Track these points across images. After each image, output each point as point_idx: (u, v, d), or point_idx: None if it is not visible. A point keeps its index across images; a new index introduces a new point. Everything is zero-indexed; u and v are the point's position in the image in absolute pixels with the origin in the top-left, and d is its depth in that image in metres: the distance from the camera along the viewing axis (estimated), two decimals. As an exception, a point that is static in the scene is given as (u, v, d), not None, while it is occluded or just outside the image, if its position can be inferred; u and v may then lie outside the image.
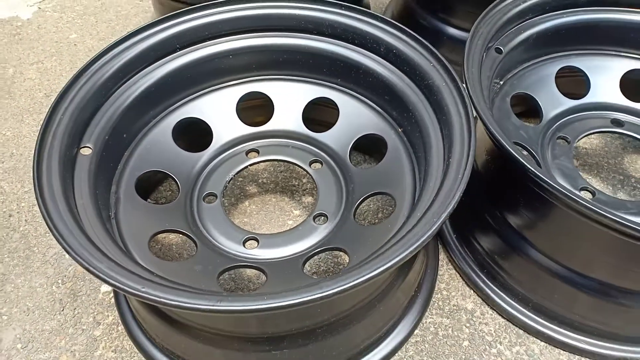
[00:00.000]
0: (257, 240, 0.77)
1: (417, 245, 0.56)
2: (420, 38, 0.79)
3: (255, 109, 0.94)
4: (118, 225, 0.73)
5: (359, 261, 0.60)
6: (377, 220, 0.93)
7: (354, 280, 0.53)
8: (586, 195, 0.81)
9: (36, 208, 0.99)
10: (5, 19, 1.42)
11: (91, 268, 0.55)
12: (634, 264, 0.68)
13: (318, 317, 0.68)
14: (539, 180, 0.62)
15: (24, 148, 1.10)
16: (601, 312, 0.73)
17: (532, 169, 0.62)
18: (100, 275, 0.54)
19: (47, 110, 0.71)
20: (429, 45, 0.78)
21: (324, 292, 0.52)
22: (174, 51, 0.85)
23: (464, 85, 0.73)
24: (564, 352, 0.78)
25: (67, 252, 0.56)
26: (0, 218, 0.97)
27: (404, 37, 0.80)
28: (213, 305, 0.52)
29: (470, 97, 0.70)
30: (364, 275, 0.53)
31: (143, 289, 0.54)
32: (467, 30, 1.03)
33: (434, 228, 0.57)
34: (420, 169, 0.75)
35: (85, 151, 0.73)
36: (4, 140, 1.11)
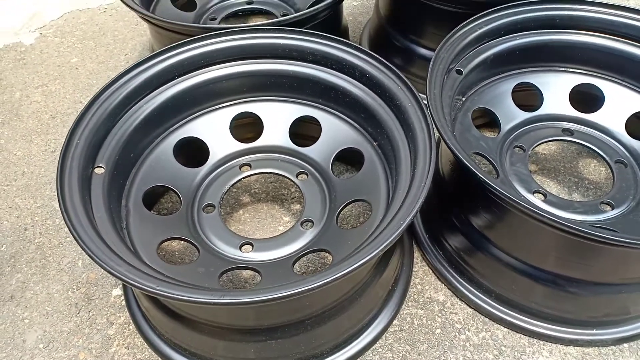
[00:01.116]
0: (252, 245, 0.88)
1: (385, 246, 0.66)
2: (389, 64, 0.90)
3: (247, 127, 1.05)
4: (129, 235, 0.84)
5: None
6: (357, 224, 1.04)
7: (333, 275, 0.64)
8: (538, 197, 0.92)
9: (49, 222, 1.09)
10: (9, 45, 1.52)
11: (113, 271, 0.65)
12: (576, 257, 0.79)
13: (307, 309, 0.78)
14: (489, 188, 0.73)
15: (34, 167, 1.19)
16: (554, 300, 0.84)
17: (484, 178, 0.73)
18: (122, 277, 0.65)
19: (66, 135, 0.81)
20: (396, 70, 0.89)
21: (310, 285, 0.63)
22: (174, 78, 0.96)
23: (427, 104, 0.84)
24: (524, 336, 0.89)
25: (92, 259, 0.66)
26: (17, 232, 1.07)
27: (375, 63, 0.92)
28: (218, 299, 0.62)
29: (432, 116, 0.81)
30: (341, 271, 0.64)
31: (158, 287, 0.64)
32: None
33: (398, 231, 0.67)
34: (392, 178, 0.86)
35: (99, 170, 0.83)
36: (16, 160, 1.21)
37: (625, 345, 0.87)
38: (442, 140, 0.81)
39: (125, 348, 0.89)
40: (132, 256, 0.73)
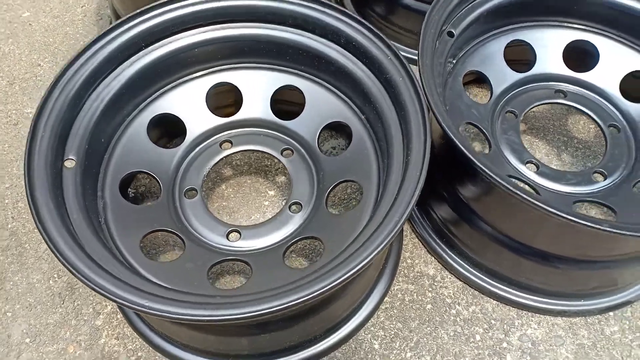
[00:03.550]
0: (240, 233, 0.85)
1: (382, 247, 0.64)
2: (379, 32, 0.83)
3: (225, 99, 0.98)
4: (109, 230, 0.79)
5: (334, 252, 0.69)
6: (349, 208, 1.01)
7: (330, 282, 0.61)
8: (531, 168, 0.90)
9: (20, 204, 1.03)
10: (-50, -3, 1.36)
11: (99, 289, 0.62)
12: (563, 236, 0.78)
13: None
14: (479, 170, 0.70)
15: (-3, 141, 1.11)
16: (543, 275, 0.85)
17: (474, 160, 0.70)
18: (109, 295, 0.61)
19: (29, 128, 0.73)
20: (386, 39, 0.82)
21: (305, 294, 0.61)
22: (140, 49, 0.87)
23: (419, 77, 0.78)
24: (513, 308, 0.90)
25: (75, 276, 0.63)
26: (-13, 216, 1.02)
27: (363, 30, 0.84)
28: (211, 316, 0.60)
29: (425, 93, 0.76)
30: (339, 277, 0.62)
31: (147, 304, 0.61)
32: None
33: (396, 229, 0.65)
34: (383, 160, 0.82)
35: (69, 163, 0.77)
36: (-25, 135, 1.12)
37: (611, 313, 0.90)
38: (434, 117, 0.76)
39: (115, 339, 0.88)
40: (116, 262, 0.69)
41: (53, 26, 1.30)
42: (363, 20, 0.85)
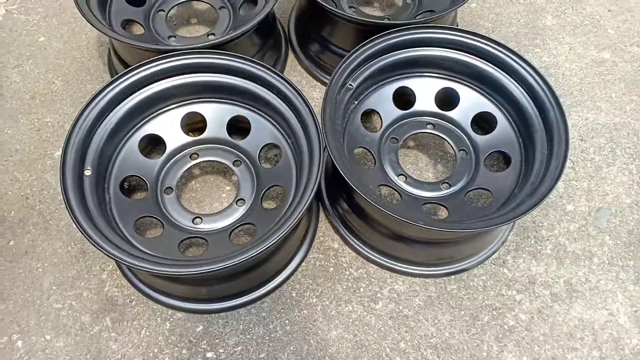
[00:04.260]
0: (201, 219, 1.26)
1: (284, 233, 1.05)
2: (298, 89, 1.22)
3: (194, 123, 1.37)
4: (113, 215, 1.19)
5: (262, 233, 1.11)
6: (275, 205, 1.42)
7: (253, 252, 1.03)
8: (402, 179, 1.31)
9: (44, 192, 1.42)
10: (-21, 22, 1.71)
11: (104, 251, 1.02)
12: (417, 229, 1.20)
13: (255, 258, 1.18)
14: (355, 189, 1.12)
15: (24, 144, 1.49)
16: (404, 250, 1.26)
17: (346, 177, 1.10)
18: (111, 255, 1.02)
19: (62, 149, 1.12)
20: (302, 95, 1.20)
21: (238, 259, 1.02)
22: (134, 92, 1.26)
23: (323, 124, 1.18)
24: (387, 271, 1.33)
25: (91, 242, 1.03)
26: (21, 200, 1.41)
27: (288, 86, 1.23)
28: (174, 271, 1.01)
29: (325, 130, 1.16)
30: (256, 250, 1.03)
31: (135, 262, 1.01)
32: (343, 49, 1.48)
33: (286, 228, 1.06)
34: (299, 171, 1.23)
35: (87, 172, 1.16)
36: (8, 138, 1.50)
37: (452, 276, 1.33)
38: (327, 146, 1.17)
39: (115, 287, 1.29)
40: (117, 237, 1.10)
41: (64, 50, 1.67)
42: (289, 80, 1.24)
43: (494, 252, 1.35)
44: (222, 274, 1.18)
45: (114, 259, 1.02)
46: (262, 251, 1.04)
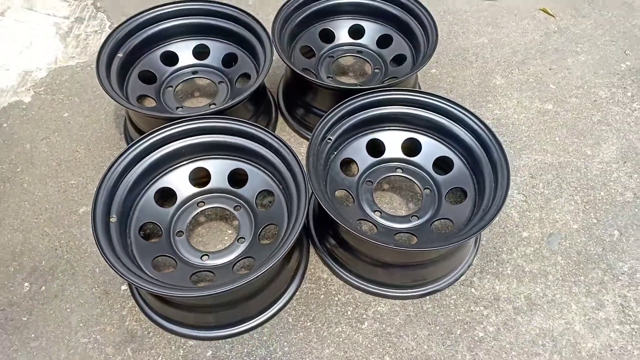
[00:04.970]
0: (208, 256, 1.47)
1: (271, 266, 1.27)
2: (288, 145, 1.47)
3: (201, 176, 1.62)
4: (134, 255, 1.41)
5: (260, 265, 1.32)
6: (270, 241, 1.64)
7: (246, 279, 1.24)
8: (377, 214, 1.55)
9: (71, 243, 1.64)
10: (12, 103, 2.00)
11: (130, 281, 1.23)
12: (389, 252, 1.42)
13: (253, 285, 1.38)
14: (335, 220, 1.35)
15: (52, 203, 1.73)
16: (384, 275, 1.47)
17: (334, 217, 1.34)
18: (135, 283, 1.23)
19: (92, 201, 1.36)
20: (292, 150, 1.44)
21: (237, 284, 1.23)
22: (151, 152, 1.51)
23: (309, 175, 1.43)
24: (370, 295, 1.53)
25: (119, 274, 1.24)
26: (50, 252, 1.62)
27: (279, 142, 1.48)
28: (183, 294, 1.22)
29: (310, 177, 1.41)
30: (247, 279, 1.25)
31: (162, 290, 1.23)
32: (323, 110, 1.75)
33: (279, 255, 1.28)
34: (290, 212, 1.46)
35: (113, 219, 1.39)
36: (38, 199, 1.74)
37: (427, 297, 1.53)
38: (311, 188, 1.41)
39: (134, 322, 1.48)
40: (139, 271, 1.32)
41: (85, 123, 1.94)
42: (281, 139, 1.49)
43: (461, 275, 1.56)
44: (226, 301, 1.38)
45: (135, 284, 1.23)
46: (258, 276, 1.24)
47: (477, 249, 1.62)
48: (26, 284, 1.55)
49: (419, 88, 2.05)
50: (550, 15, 2.35)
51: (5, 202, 1.73)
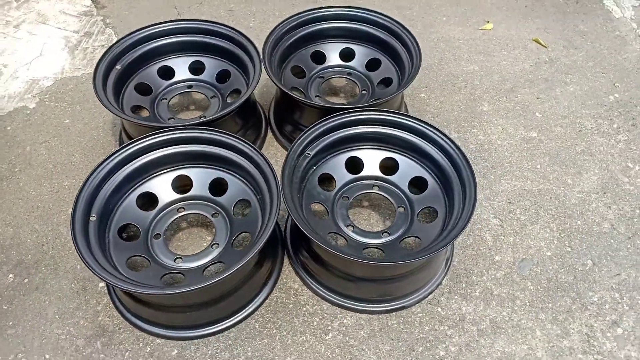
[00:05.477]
0: (182, 258, 1.53)
1: (242, 264, 1.32)
2: (266, 158, 1.53)
3: (182, 184, 1.69)
4: (110, 254, 1.47)
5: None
6: (243, 247, 1.69)
7: (210, 281, 1.29)
8: (350, 229, 1.59)
9: (57, 240, 1.72)
10: (18, 108, 2.11)
11: (103, 278, 1.29)
12: (356, 266, 1.46)
13: (220, 289, 1.43)
14: (309, 236, 1.39)
15: (44, 202, 1.81)
16: (352, 288, 1.50)
17: (317, 241, 1.39)
18: (109, 281, 1.29)
19: (74, 200, 1.44)
20: (269, 163, 1.51)
21: (198, 285, 1.28)
22: (134, 159, 1.59)
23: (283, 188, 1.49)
24: (337, 307, 1.56)
25: (103, 279, 1.30)
26: (37, 247, 1.70)
27: (259, 155, 1.54)
28: (153, 292, 1.27)
29: (284, 191, 1.46)
30: (213, 280, 1.30)
31: (125, 285, 1.28)
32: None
33: (244, 260, 1.33)
34: (263, 221, 1.51)
35: (92, 218, 1.46)
36: (32, 197, 1.83)
37: (393, 313, 1.56)
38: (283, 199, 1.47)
39: (107, 317, 1.54)
40: (111, 268, 1.38)
41: (84, 130, 2.04)
42: (259, 151, 1.56)
43: (430, 293, 1.59)
44: (194, 302, 1.43)
45: (105, 282, 1.29)
46: (221, 280, 1.29)
47: (448, 269, 1.64)
48: (10, 275, 1.63)
49: (406, 111, 2.10)
50: (543, 45, 2.40)
51: (1, 198, 1.82)
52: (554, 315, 1.56)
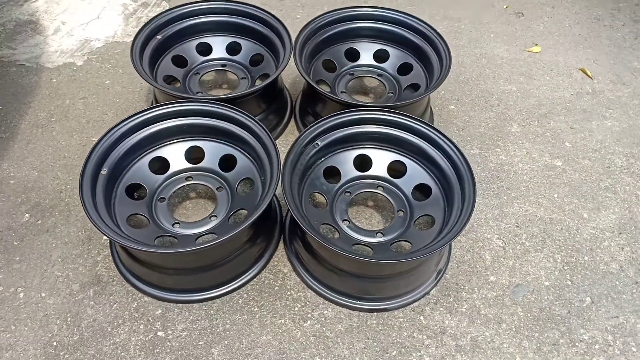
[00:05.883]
0: (180, 224, 1.59)
1: (221, 241, 1.36)
2: (272, 138, 1.58)
3: (196, 154, 1.76)
4: (114, 210, 1.56)
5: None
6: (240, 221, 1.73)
7: (201, 246, 1.34)
8: (345, 224, 1.61)
9: (75, 190, 1.82)
10: (66, 63, 2.25)
11: (105, 233, 1.37)
12: (342, 259, 1.47)
13: (209, 259, 1.49)
14: (303, 228, 1.42)
15: (71, 153, 1.93)
16: (338, 282, 1.52)
17: (302, 225, 1.42)
18: (108, 235, 1.37)
19: (88, 152, 1.53)
20: (275, 144, 1.56)
21: (194, 248, 1.34)
22: (149, 125, 1.66)
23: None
24: (321, 299, 1.58)
25: (95, 226, 1.38)
26: (55, 192, 1.81)
27: (266, 134, 1.60)
28: (148, 249, 1.34)
29: (284, 175, 1.50)
30: (205, 245, 1.35)
31: (113, 235, 1.35)
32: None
33: (231, 233, 1.37)
34: (263, 197, 1.55)
35: (103, 172, 1.55)
36: (61, 147, 1.95)
37: (375, 313, 1.56)
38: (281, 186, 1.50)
39: (104, 269, 1.62)
40: (111, 221, 1.46)
41: (121, 92, 2.15)
42: (267, 131, 1.61)
43: (415, 301, 1.58)
44: (183, 267, 1.49)
45: (96, 227, 1.36)
46: (206, 247, 1.34)
47: (439, 281, 1.63)
48: (27, 215, 1.74)
49: (432, 119, 2.09)
50: (588, 76, 2.32)
51: (33, 144, 1.95)
52: (538, 345, 1.51)
